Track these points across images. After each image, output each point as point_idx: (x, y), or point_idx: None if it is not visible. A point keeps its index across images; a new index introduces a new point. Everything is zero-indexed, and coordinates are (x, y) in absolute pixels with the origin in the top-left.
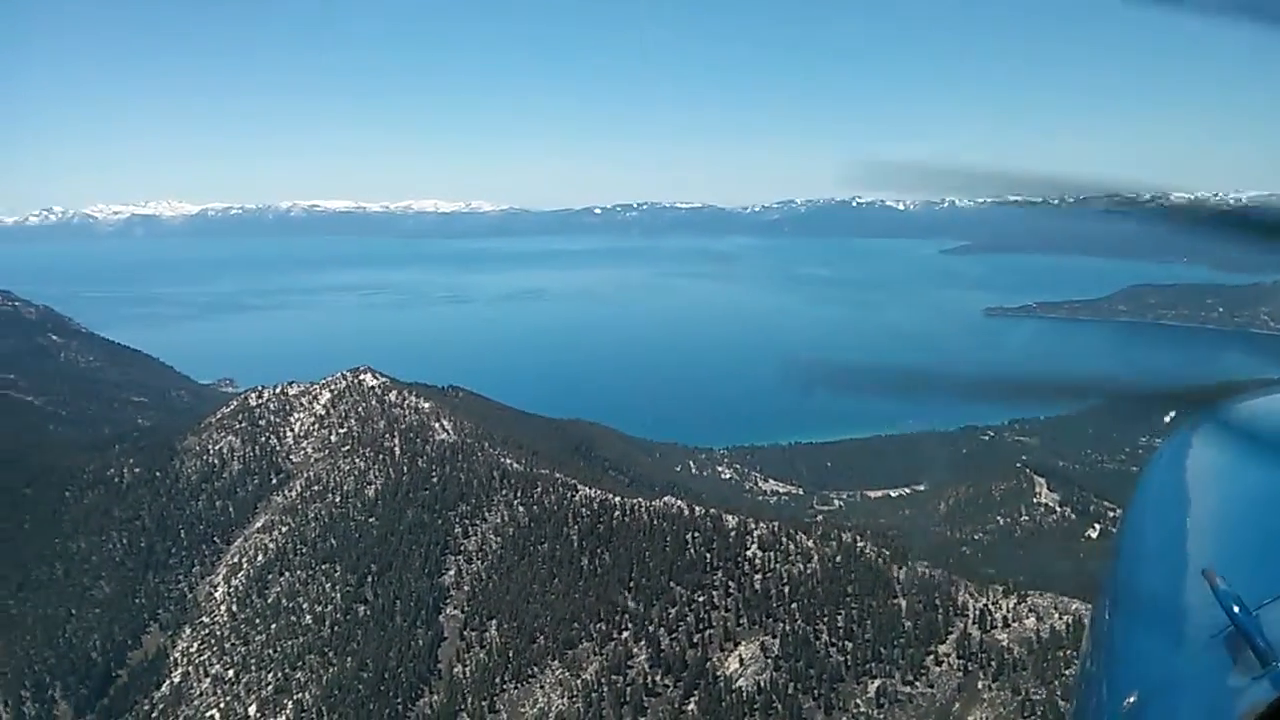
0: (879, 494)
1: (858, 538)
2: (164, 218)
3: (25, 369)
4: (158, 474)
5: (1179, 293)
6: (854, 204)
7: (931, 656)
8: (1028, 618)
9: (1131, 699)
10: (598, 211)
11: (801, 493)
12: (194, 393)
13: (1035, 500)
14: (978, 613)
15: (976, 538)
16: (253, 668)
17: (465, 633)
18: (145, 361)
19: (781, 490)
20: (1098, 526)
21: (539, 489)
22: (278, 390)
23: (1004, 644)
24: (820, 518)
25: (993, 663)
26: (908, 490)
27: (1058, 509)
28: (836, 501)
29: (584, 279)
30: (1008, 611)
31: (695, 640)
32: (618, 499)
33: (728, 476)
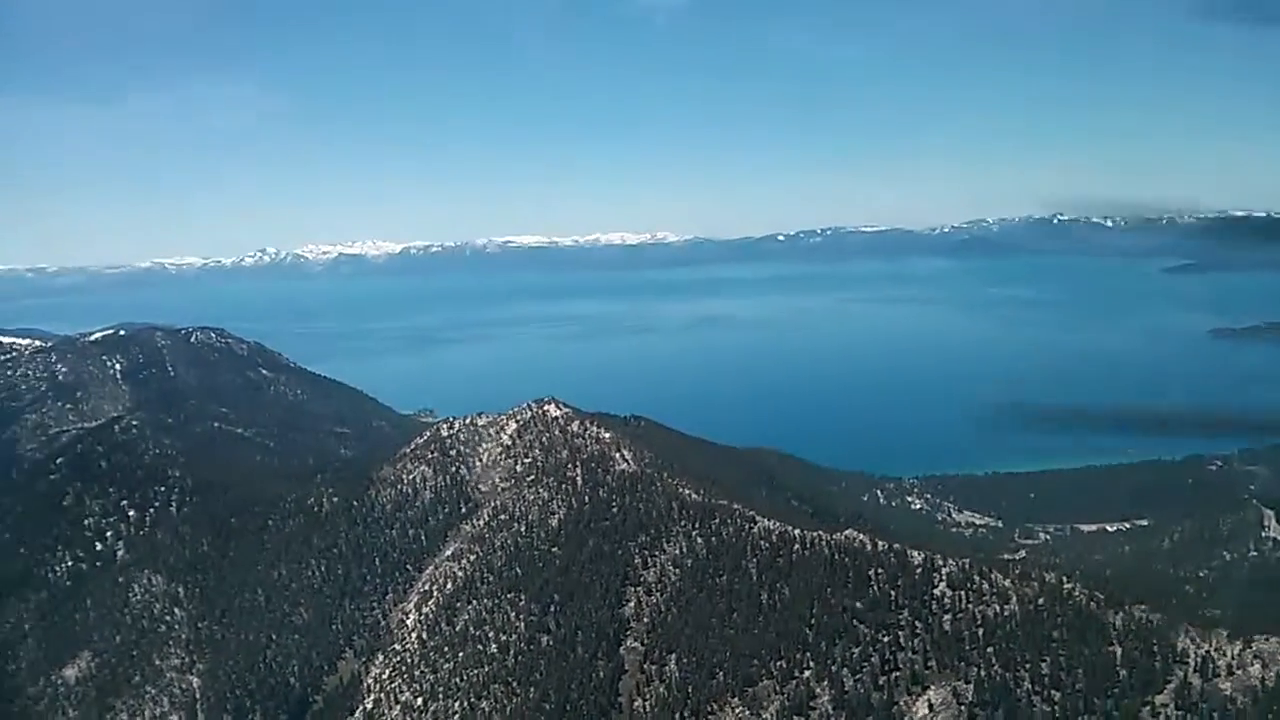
0: (1093, 528)
1: (1064, 578)
2: (369, 256)
3: (237, 403)
4: (355, 503)
5: None
6: (1055, 221)
7: (1148, 708)
8: (1253, 664)
9: None
10: (781, 238)
11: (1001, 525)
12: (394, 423)
13: (1264, 534)
14: (1199, 659)
15: (1200, 575)
16: (440, 696)
17: (645, 666)
18: (349, 394)
19: (978, 522)
20: None
21: (717, 520)
22: (468, 421)
23: (1227, 693)
24: (1022, 553)
25: (1215, 713)
26: (1126, 525)
27: None
28: (1042, 535)
29: (768, 306)
30: (1231, 658)
31: (881, 682)
32: (798, 531)
33: (918, 507)
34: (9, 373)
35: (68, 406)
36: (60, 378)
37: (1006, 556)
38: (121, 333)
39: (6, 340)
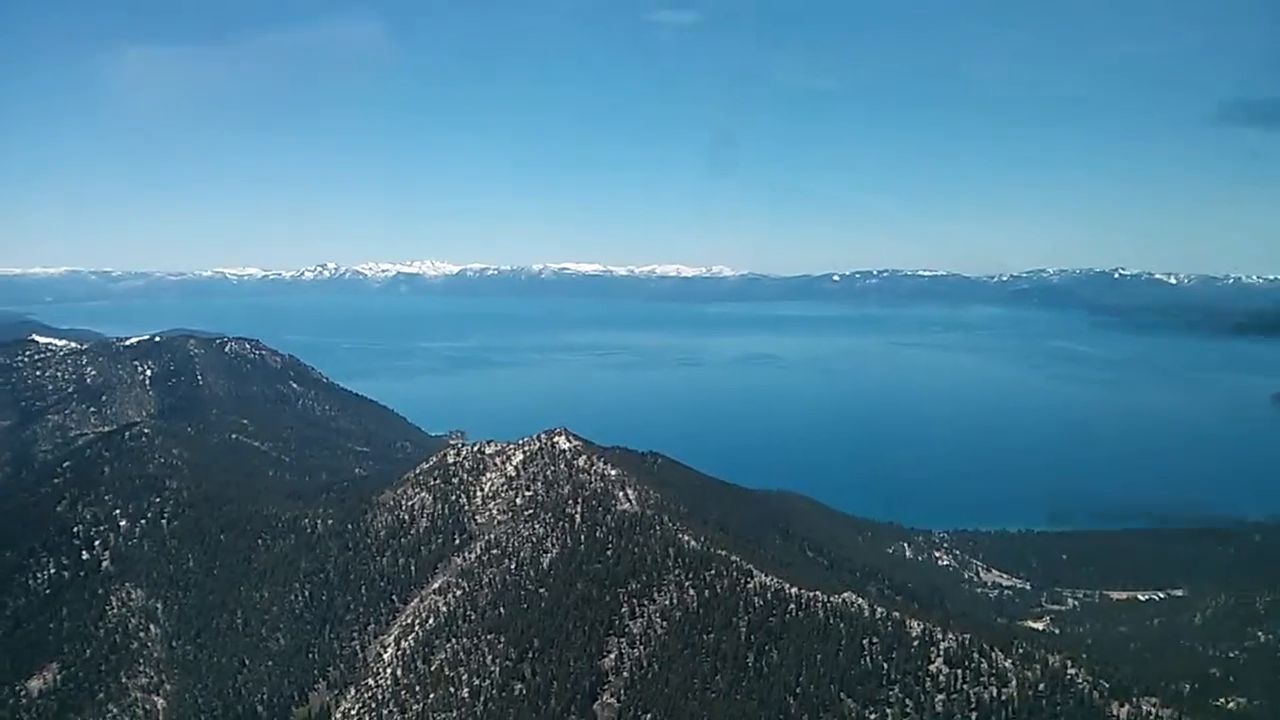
0: (1123, 595)
1: (1069, 663)
2: (427, 276)
3: (260, 415)
4: (350, 526)
5: None
6: (1115, 275)
7: None
8: None
9: None
10: (836, 278)
11: (1029, 588)
12: (420, 444)
13: None
14: None
15: (1231, 655)
16: None
17: None
18: (379, 412)
19: (1005, 583)
20: None
21: (713, 571)
22: (475, 449)
23: None
24: (1047, 619)
25: None
26: (1159, 595)
27: None
28: (1071, 601)
29: (818, 346)
30: None
31: None
32: (794, 590)
33: (945, 563)
34: (39, 373)
35: (91, 410)
36: (88, 381)
37: (1030, 623)
38: (157, 339)
39: (43, 340)
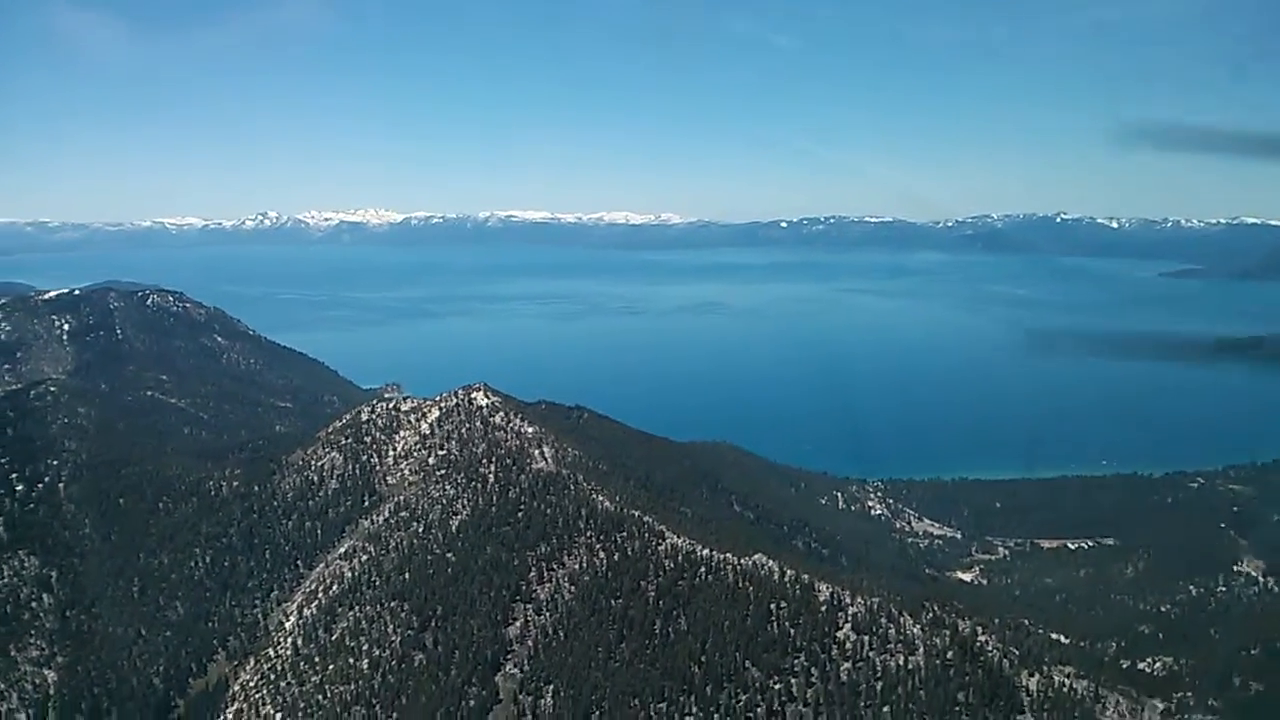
0: (1054, 544)
1: (979, 629)
2: (370, 225)
3: (182, 370)
4: (256, 488)
5: None
6: (1058, 219)
7: None
8: None
9: None
10: (784, 225)
11: (960, 536)
12: (349, 399)
13: (1236, 568)
14: None
15: (1162, 610)
16: (299, 713)
17: (520, 697)
18: (310, 366)
19: (936, 532)
20: None
21: (624, 533)
22: (390, 406)
23: None
24: (975, 569)
25: None
26: (1090, 543)
27: (1260, 579)
28: (1001, 550)
29: (764, 293)
30: None
31: None
32: (705, 551)
33: (878, 513)
34: None
35: (5, 366)
36: (2, 337)
37: (959, 574)
38: (76, 292)
39: None
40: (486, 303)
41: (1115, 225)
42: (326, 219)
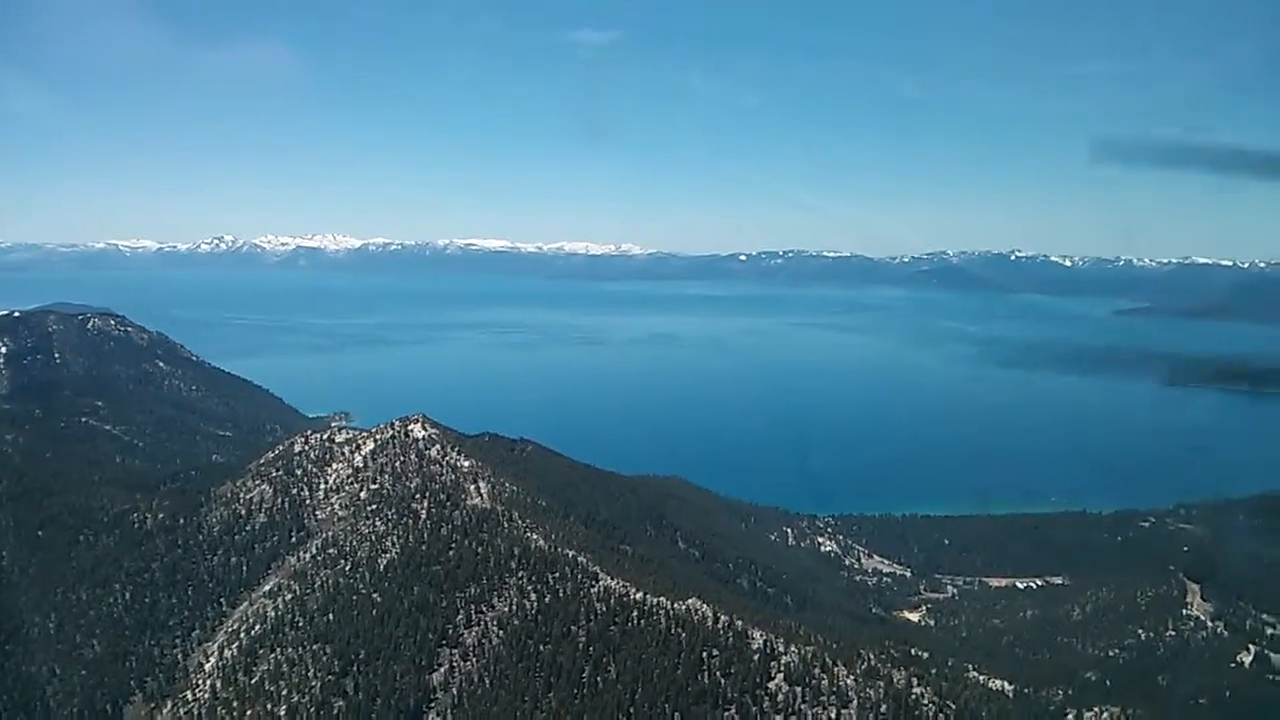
0: (1003, 582)
1: (914, 680)
2: (328, 250)
3: (120, 396)
4: (182, 521)
5: None
6: (1013, 257)
7: None
8: None
9: None
10: (743, 258)
11: (909, 574)
12: (292, 428)
13: (1186, 611)
14: None
15: (1110, 654)
16: None
17: None
18: (254, 393)
19: (885, 570)
20: (1252, 649)
21: (557, 574)
22: (324, 437)
23: None
24: (923, 609)
25: None
26: (1039, 582)
27: (1209, 624)
28: (950, 588)
29: (719, 326)
30: None
31: None
32: (639, 595)
33: (828, 549)
34: None
35: None
36: None
37: (906, 614)
38: (16, 314)
39: None
40: (443, 331)
41: (1068, 263)
42: (283, 244)
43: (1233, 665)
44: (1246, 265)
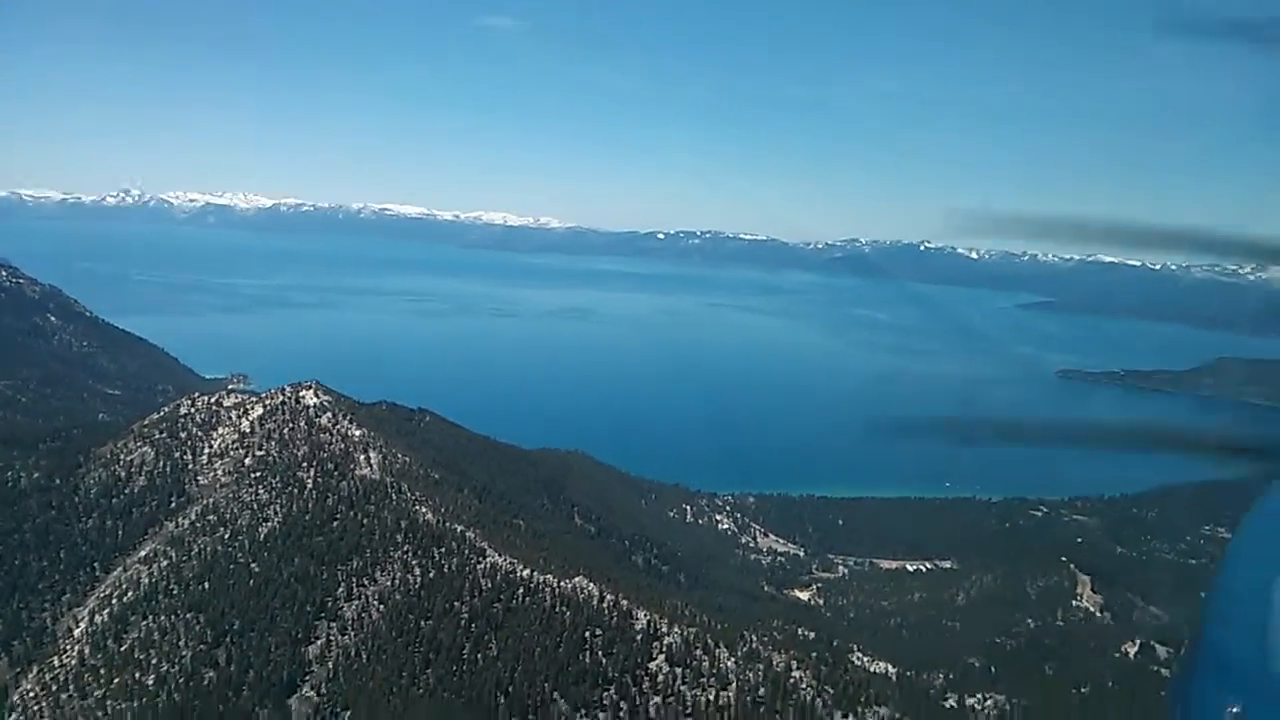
0: (893, 564)
1: (794, 664)
2: (238, 208)
3: (2, 349)
4: (58, 481)
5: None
6: (922, 248)
7: None
8: None
9: None
10: (661, 236)
11: (803, 554)
12: (185, 389)
13: (1075, 602)
14: None
15: (996, 641)
16: None
17: None
18: (148, 352)
19: (780, 549)
20: (1137, 641)
21: (443, 549)
22: (212, 400)
23: None
24: (814, 587)
25: None
26: (928, 565)
27: (1098, 614)
28: (841, 568)
29: (635, 303)
30: None
31: None
32: (525, 572)
33: (725, 527)
34: None
35: None
36: None
37: (796, 592)
38: None
39: None
40: (352, 296)
41: (975, 256)
42: (192, 200)
43: (1118, 655)
44: (1158, 267)
